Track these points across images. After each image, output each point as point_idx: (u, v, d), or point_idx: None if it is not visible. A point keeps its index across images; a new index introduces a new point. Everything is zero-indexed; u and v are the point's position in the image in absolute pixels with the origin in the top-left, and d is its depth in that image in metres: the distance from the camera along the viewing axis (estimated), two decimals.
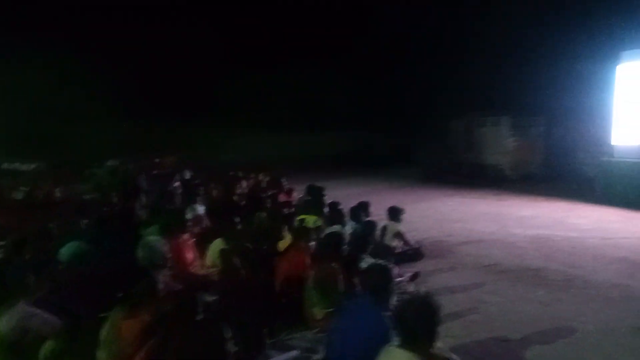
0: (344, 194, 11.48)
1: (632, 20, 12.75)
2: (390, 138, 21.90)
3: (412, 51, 21.08)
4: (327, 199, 8.14)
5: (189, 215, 6.13)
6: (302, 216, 6.74)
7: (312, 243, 5.21)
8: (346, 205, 7.42)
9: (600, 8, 13.97)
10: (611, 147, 12.53)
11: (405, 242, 6.98)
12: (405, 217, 7.40)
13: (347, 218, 6.87)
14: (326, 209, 7.37)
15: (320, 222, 6.43)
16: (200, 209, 6.51)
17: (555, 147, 16.09)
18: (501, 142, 16.25)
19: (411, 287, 5.58)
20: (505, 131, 16.17)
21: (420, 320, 2.56)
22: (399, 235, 6.89)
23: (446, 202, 12.76)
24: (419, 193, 14.56)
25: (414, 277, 5.84)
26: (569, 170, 14.98)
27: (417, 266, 6.58)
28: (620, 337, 4.55)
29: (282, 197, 9.18)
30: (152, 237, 4.69)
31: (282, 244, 5.60)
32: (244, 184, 11.22)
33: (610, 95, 12.65)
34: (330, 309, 4.08)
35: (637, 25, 12.52)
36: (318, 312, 4.31)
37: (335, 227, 6.18)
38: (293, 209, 7.70)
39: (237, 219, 6.16)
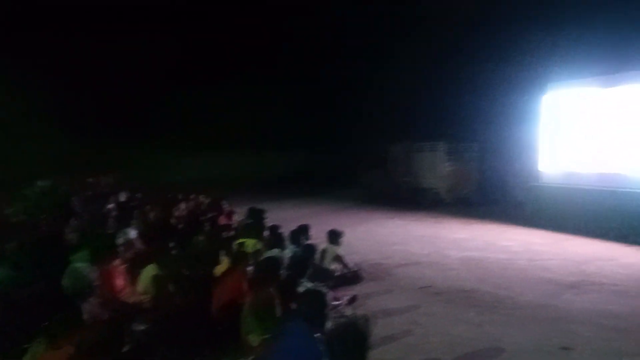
0: (285, 216, 11.47)
1: (556, 54, 13.68)
2: (334, 159, 22.16)
3: (357, 76, 21.58)
4: (269, 222, 8.11)
5: (121, 240, 5.92)
6: (242, 240, 6.66)
7: (250, 268, 5.15)
8: (287, 228, 7.41)
9: (528, 42, 14.92)
10: (538, 172, 13.29)
11: (344, 265, 7.05)
12: (345, 239, 7.48)
13: (287, 241, 6.85)
14: (266, 233, 7.33)
15: (259, 246, 6.39)
16: (133, 233, 6.28)
17: (487, 172, 16.86)
18: (438, 167, 16.85)
19: (349, 311, 5.62)
20: (442, 156, 16.80)
21: (350, 345, 2.59)
22: (338, 258, 6.95)
23: (386, 225, 13.03)
24: (361, 215, 14.80)
25: (352, 300, 5.89)
26: (500, 194, 15.72)
27: (356, 289, 6.65)
28: (546, 356, 4.77)
29: (222, 220, 9.05)
30: (80, 263, 4.48)
31: (219, 269, 5.50)
32: (183, 206, 10.97)
33: (537, 124, 13.49)
34: (267, 336, 4.03)
35: (560, 58, 13.44)
36: (254, 339, 4.24)
37: (275, 251, 6.16)
38: (232, 233, 7.61)
39: (173, 243, 6.00)
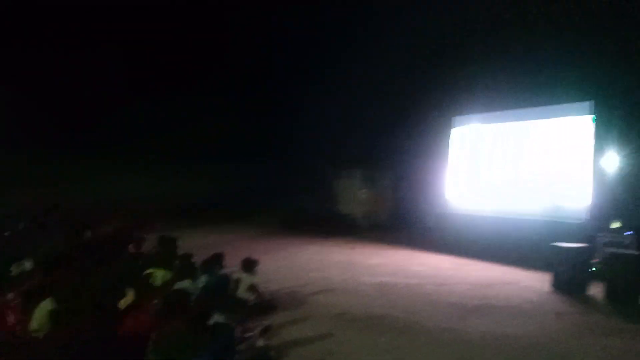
0: (200, 244, 11.17)
1: (464, 90, 14.64)
2: (253, 185, 21.93)
3: (278, 103, 21.70)
4: (181, 250, 7.85)
5: (15, 271, 5.47)
6: (150, 270, 6.40)
7: (157, 301, 4.95)
8: (201, 256, 7.22)
9: (440, 78, 15.87)
10: (446, 200, 14.06)
11: (259, 295, 6.97)
12: (262, 266, 7.42)
13: (199, 271, 6.67)
14: (177, 262, 7.08)
15: (169, 277, 6.16)
16: (29, 264, 5.82)
17: (401, 199, 17.55)
18: (354, 194, 17.30)
19: (261, 342, 5.54)
20: (358, 183, 17.29)
21: None
22: (252, 288, 6.86)
23: (304, 251, 13.07)
24: (280, 241, 14.72)
25: (265, 331, 5.81)
26: (412, 221, 16.37)
27: (270, 318, 6.57)
28: None
29: (130, 249, 8.64)
30: None
31: (124, 302, 5.22)
32: (89, 233, 10.33)
33: (445, 155, 14.34)
34: None
35: (467, 94, 14.39)
36: None
37: (186, 282, 5.97)
38: (141, 262, 7.27)
39: (74, 275, 5.63)
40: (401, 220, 17.02)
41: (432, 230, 14.25)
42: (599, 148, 10.75)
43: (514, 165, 12.48)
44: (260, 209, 19.70)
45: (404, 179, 17.37)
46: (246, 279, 6.87)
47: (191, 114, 22.91)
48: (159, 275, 6.27)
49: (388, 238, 15.15)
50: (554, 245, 8.99)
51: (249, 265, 7.01)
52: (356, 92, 18.85)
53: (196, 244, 10.38)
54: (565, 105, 11.50)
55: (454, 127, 14.24)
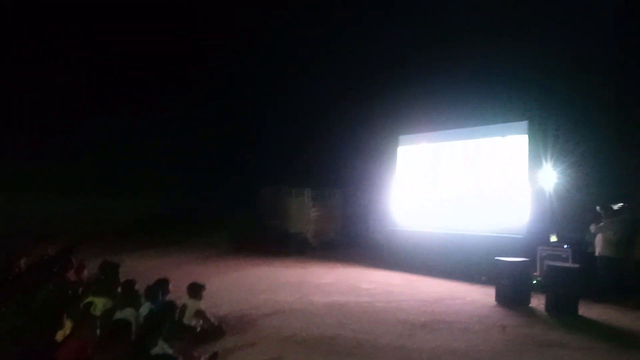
0: (145, 269, 10.83)
1: (409, 109, 15.04)
2: (201, 204, 21.46)
3: (224, 121, 21.48)
4: (124, 276, 7.53)
5: None
6: (91, 299, 6.10)
7: (98, 331, 4.71)
8: (146, 282, 6.96)
9: (386, 97, 16.28)
10: (394, 218, 14.29)
11: (206, 320, 6.77)
12: (211, 290, 7.23)
13: (143, 298, 6.42)
14: (119, 289, 6.79)
15: (110, 305, 5.89)
16: None
17: (350, 216, 17.70)
18: (304, 212, 17.29)
19: None
20: (308, 201, 17.31)
21: None
22: (199, 313, 6.66)
23: (254, 272, 12.87)
24: (228, 263, 14.42)
25: (212, 358, 5.64)
26: (362, 238, 16.53)
27: (218, 345, 6.39)
28: None
29: (69, 276, 8.20)
30: None
31: (62, 333, 4.94)
32: (24, 259, 9.75)
33: (392, 172, 14.63)
34: None
35: (411, 113, 14.79)
36: None
37: (128, 311, 5.72)
38: (80, 290, 6.93)
39: (9, 303, 5.28)
40: (351, 238, 17.15)
41: (381, 247, 14.41)
42: (535, 165, 11.27)
43: (457, 183, 12.87)
44: (209, 230, 19.29)
45: (354, 197, 17.56)
46: (193, 304, 6.66)
47: (139, 130, 22.21)
48: (100, 304, 6.00)
49: (339, 256, 15.20)
50: (496, 260, 9.29)
51: (195, 290, 6.81)
52: (306, 111, 19.04)
53: (141, 268, 10.07)
54: (502, 125, 12.02)
55: (400, 146, 14.57)
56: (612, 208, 9.88)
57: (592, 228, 9.69)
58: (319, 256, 15.35)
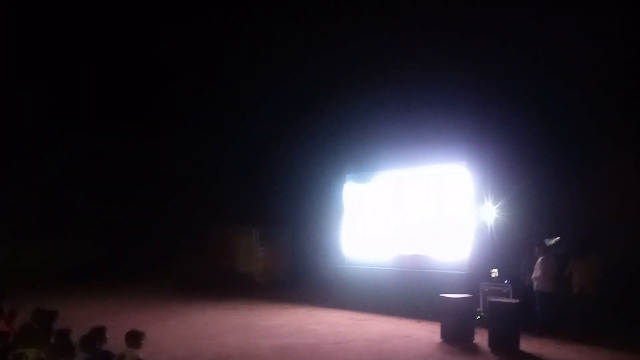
0: (82, 316, 10.27)
1: (354, 147, 15.36)
2: (144, 246, 20.60)
3: (165, 161, 20.99)
4: (59, 325, 7.10)
5: None
6: (21, 350, 5.70)
7: None
8: (82, 330, 6.58)
9: (332, 136, 16.56)
10: (343, 255, 14.36)
11: None
12: (152, 336, 6.93)
13: (77, 349, 6.06)
14: (53, 340, 6.38)
15: (42, 356, 5.52)
16: None
17: (299, 255, 17.59)
18: (252, 251, 17.07)
19: None
20: (256, 240, 17.12)
21: None
22: None
23: (198, 316, 12.46)
24: (172, 307, 13.87)
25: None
26: (311, 277, 16.43)
27: None
28: None
29: (1, 326, 7.65)
30: None
31: None
32: None
33: (341, 210, 14.79)
34: None
35: (358, 151, 15.11)
36: None
37: None
38: (11, 341, 6.46)
39: None
40: (300, 277, 17.01)
41: (330, 285, 14.38)
42: (477, 203, 11.72)
43: (403, 220, 13.17)
44: (151, 274, 18.54)
45: (302, 235, 17.51)
46: (131, 353, 6.34)
47: (71, 169, 21.15)
48: (31, 356, 5.61)
49: (288, 295, 15.00)
50: (441, 297, 9.47)
51: (134, 338, 6.47)
52: (252, 149, 19.06)
53: (77, 316, 9.53)
54: (445, 165, 12.50)
55: (347, 183, 14.81)
56: (545, 244, 10.36)
57: (536, 265, 10.02)
58: (267, 296, 15.09)
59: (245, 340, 9.49)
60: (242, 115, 19.21)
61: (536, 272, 9.93)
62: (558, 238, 11.74)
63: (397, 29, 15.53)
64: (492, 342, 8.53)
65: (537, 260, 10.00)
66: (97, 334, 6.23)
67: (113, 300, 14.76)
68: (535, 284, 9.93)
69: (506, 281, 10.41)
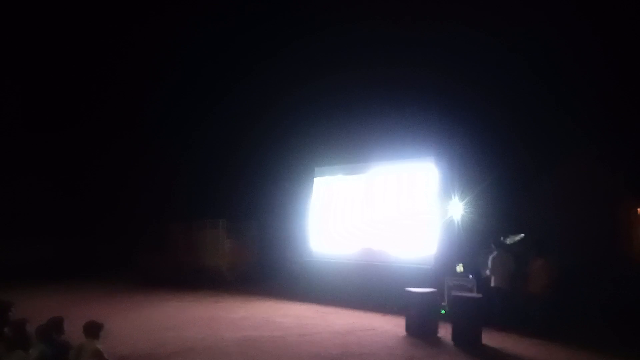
0: (41, 308, 9.93)
1: (323, 142, 15.35)
2: (106, 240, 20.02)
3: (130, 154, 20.50)
4: (16, 315, 6.83)
5: None
6: None
7: None
8: (40, 321, 6.34)
9: (301, 131, 16.50)
10: (310, 248, 14.34)
11: None
12: (113, 328, 6.75)
13: (34, 339, 5.84)
14: (8, 330, 6.14)
15: None
16: None
17: (266, 248, 17.49)
18: (218, 244, 16.85)
19: None
20: (222, 234, 16.91)
21: None
22: (97, 354, 6.13)
23: (161, 308, 12.25)
24: (134, 300, 13.61)
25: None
26: (278, 270, 16.36)
27: None
28: None
29: None
30: None
31: None
32: None
33: (308, 204, 14.75)
34: None
35: (327, 146, 15.10)
36: None
37: (17, 353, 5.20)
38: None
39: None
40: (267, 270, 16.92)
41: (296, 278, 14.35)
42: (443, 198, 11.89)
43: (370, 214, 13.24)
44: (114, 267, 18.09)
45: (269, 229, 17.41)
46: (89, 344, 6.15)
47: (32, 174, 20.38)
48: None
49: (254, 289, 14.91)
50: (406, 291, 9.55)
51: (93, 328, 6.26)
52: (221, 141, 18.82)
53: (36, 308, 9.20)
54: (413, 160, 12.64)
55: (316, 177, 14.79)
56: (504, 241, 10.57)
57: (489, 260, 10.22)
58: (233, 290, 14.95)
59: (209, 333, 9.37)
60: (211, 108, 18.95)
61: (491, 268, 10.08)
62: (522, 235, 12.03)
63: (369, 27, 15.61)
64: (455, 336, 8.66)
65: (493, 255, 10.14)
66: (54, 324, 6.04)
67: (74, 294, 14.35)
68: (492, 279, 10.08)
69: (470, 276, 10.58)
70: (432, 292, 9.50)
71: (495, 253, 10.18)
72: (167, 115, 19.93)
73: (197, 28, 18.37)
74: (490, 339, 8.69)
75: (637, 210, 12.28)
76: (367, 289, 12.19)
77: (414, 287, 9.64)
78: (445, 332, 9.06)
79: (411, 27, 14.50)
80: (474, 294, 9.79)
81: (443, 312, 10.10)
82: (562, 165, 12.23)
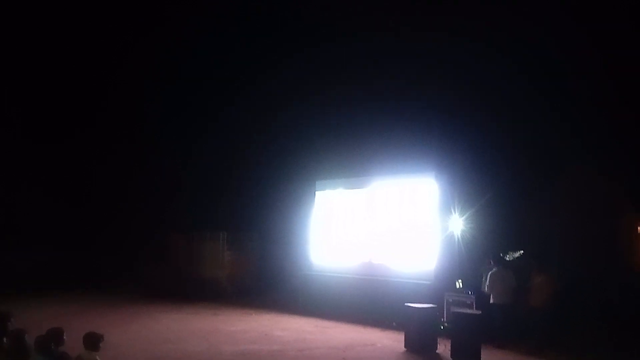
0: (40, 318, 9.90)
1: (325, 156, 15.40)
2: (106, 252, 19.94)
3: (130, 167, 20.52)
4: (15, 326, 6.84)
5: None
6: None
7: None
8: (40, 332, 6.36)
9: (303, 144, 16.59)
10: (311, 262, 14.35)
11: None
12: (112, 340, 6.74)
13: (33, 350, 5.85)
14: (7, 341, 6.15)
15: None
16: None
17: (267, 261, 17.48)
18: (219, 256, 16.84)
19: None
20: (223, 245, 16.91)
21: None
22: None
23: (161, 320, 12.22)
24: (134, 311, 13.55)
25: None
26: (278, 283, 16.34)
27: None
28: None
29: None
30: None
31: None
32: None
33: (310, 217, 14.78)
34: None
35: (329, 160, 15.15)
36: None
37: None
38: None
39: None
40: (267, 283, 16.90)
41: (296, 292, 14.33)
42: (444, 213, 11.90)
43: (372, 229, 13.26)
44: (115, 279, 18.04)
45: (270, 242, 17.41)
46: (88, 356, 6.16)
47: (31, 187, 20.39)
48: None
49: (254, 302, 14.87)
50: (406, 306, 9.54)
51: (92, 340, 6.27)
52: (223, 154, 18.90)
53: (35, 318, 9.21)
54: (413, 176, 12.67)
55: (317, 191, 14.83)
56: (503, 257, 10.56)
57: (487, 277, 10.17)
58: (232, 302, 14.91)
59: (207, 346, 9.36)
60: (213, 120, 19.04)
61: (490, 284, 10.01)
62: (522, 252, 12.04)
63: (372, 42, 15.76)
64: (454, 353, 8.63)
65: (493, 271, 10.09)
66: (54, 335, 6.04)
67: (74, 304, 14.29)
68: (491, 295, 10.03)
69: (470, 292, 10.56)
70: (431, 308, 9.49)
71: (494, 269, 10.16)
72: (169, 127, 20.01)
73: (197, 44, 18.53)
74: (490, 355, 8.67)
75: (637, 223, 12.33)
76: (367, 304, 12.17)
77: (413, 302, 9.63)
78: (444, 348, 9.03)
79: (414, 42, 14.64)
80: (474, 311, 9.76)
81: (442, 328, 10.06)
82: (563, 180, 12.29)
